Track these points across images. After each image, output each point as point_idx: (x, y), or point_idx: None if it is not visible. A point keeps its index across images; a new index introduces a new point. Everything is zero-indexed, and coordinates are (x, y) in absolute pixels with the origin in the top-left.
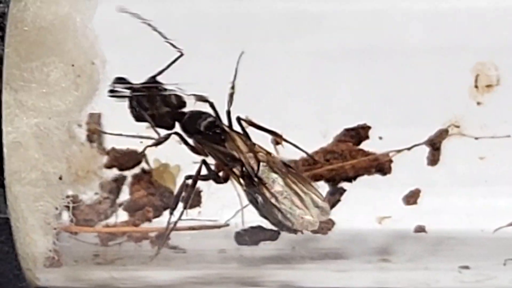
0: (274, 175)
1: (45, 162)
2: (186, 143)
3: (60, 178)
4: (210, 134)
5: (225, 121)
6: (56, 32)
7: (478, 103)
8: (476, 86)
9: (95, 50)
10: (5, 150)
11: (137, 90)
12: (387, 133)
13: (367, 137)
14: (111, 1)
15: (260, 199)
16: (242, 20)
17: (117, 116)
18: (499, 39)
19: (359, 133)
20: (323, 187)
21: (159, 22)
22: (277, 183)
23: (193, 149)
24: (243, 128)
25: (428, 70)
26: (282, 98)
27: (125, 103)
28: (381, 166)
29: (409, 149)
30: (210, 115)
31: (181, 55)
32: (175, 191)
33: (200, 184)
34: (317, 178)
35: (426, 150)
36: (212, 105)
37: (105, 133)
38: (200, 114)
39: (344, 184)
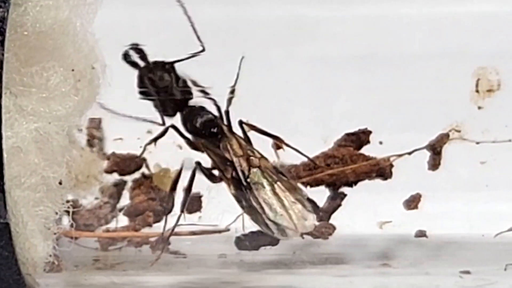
0: (264, 181)
1: (45, 167)
2: (182, 136)
3: (60, 183)
4: (206, 132)
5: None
6: (56, 36)
7: (479, 108)
8: (477, 91)
9: (95, 55)
10: (5, 155)
11: (150, 65)
12: (388, 137)
13: (368, 142)
14: (112, 5)
15: (246, 204)
16: (243, 26)
17: (117, 120)
18: (500, 43)
19: (360, 138)
20: (324, 192)
21: (161, 27)
22: (265, 190)
23: (190, 143)
24: (244, 132)
25: (429, 75)
26: (283, 104)
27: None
28: (382, 170)
29: (410, 153)
30: (209, 113)
31: (203, 49)
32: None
33: (200, 189)
34: (317, 182)
35: (427, 154)
36: (216, 103)
37: (114, 112)
38: (200, 110)
39: (344, 189)
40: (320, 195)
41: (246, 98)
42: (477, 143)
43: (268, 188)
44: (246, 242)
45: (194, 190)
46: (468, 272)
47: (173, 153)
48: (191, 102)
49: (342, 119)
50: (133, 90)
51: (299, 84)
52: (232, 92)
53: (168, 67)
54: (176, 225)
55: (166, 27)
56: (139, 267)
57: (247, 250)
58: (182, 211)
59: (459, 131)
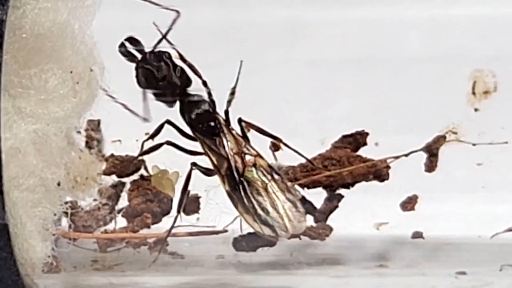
0: (258, 180)
1: (43, 168)
2: (178, 129)
3: (59, 184)
4: (202, 125)
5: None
6: (54, 39)
7: (476, 110)
8: (473, 93)
9: (94, 57)
10: (3, 156)
11: (146, 56)
12: (385, 139)
13: (365, 144)
14: (110, 8)
15: (238, 202)
16: (241, 28)
17: (116, 122)
18: (497, 46)
19: (357, 140)
20: (321, 194)
21: (161, 31)
22: (258, 189)
23: (184, 134)
24: (242, 129)
25: (426, 77)
26: (281, 105)
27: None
28: (379, 172)
29: (406, 155)
30: (207, 104)
31: (179, 14)
32: (174, 198)
33: (198, 190)
34: (315, 184)
35: (423, 156)
36: (209, 94)
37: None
38: (198, 101)
39: (342, 191)
40: (317, 196)
41: (244, 99)
42: (474, 145)
43: (261, 186)
44: (243, 243)
45: (192, 191)
46: (464, 273)
47: (171, 155)
48: (191, 92)
49: (339, 121)
50: (131, 91)
51: (297, 86)
52: (233, 93)
53: (164, 56)
54: (173, 226)
55: (163, 30)
56: (137, 268)
57: (245, 251)
58: (178, 212)
59: (455, 133)
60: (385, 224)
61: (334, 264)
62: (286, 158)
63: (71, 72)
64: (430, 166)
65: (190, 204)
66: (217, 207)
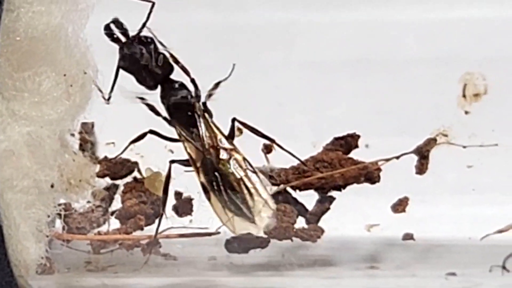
0: (231, 174)
1: (37, 170)
2: (160, 135)
3: (52, 186)
4: (180, 113)
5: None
6: (48, 42)
7: (466, 113)
8: (464, 96)
9: (87, 60)
10: None
11: (130, 40)
12: (376, 141)
13: (356, 146)
14: (103, 11)
15: (212, 194)
16: (236, 30)
17: (109, 125)
18: (487, 50)
19: (349, 142)
20: (313, 195)
21: (154, 33)
22: (231, 184)
23: (168, 139)
24: (232, 130)
25: (417, 80)
26: (274, 108)
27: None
28: (370, 174)
29: (397, 158)
30: (186, 92)
31: (153, 4)
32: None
33: (191, 192)
34: (307, 186)
35: (414, 159)
36: (193, 81)
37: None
38: (178, 88)
39: (333, 193)
40: (309, 198)
41: (237, 101)
42: (464, 147)
43: (234, 181)
44: (235, 244)
45: (185, 194)
46: (454, 274)
47: (164, 157)
48: (173, 78)
49: (331, 124)
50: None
51: (289, 88)
52: (215, 87)
53: (147, 42)
54: (158, 226)
55: (157, 33)
56: (130, 269)
57: (237, 252)
58: (162, 213)
59: (446, 136)
60: (376, 226)
61: (326, 266)
62: (279, 160)
63: (65, 75)
64: (421, 168)
65: (183, 206)
66: (209, 209)
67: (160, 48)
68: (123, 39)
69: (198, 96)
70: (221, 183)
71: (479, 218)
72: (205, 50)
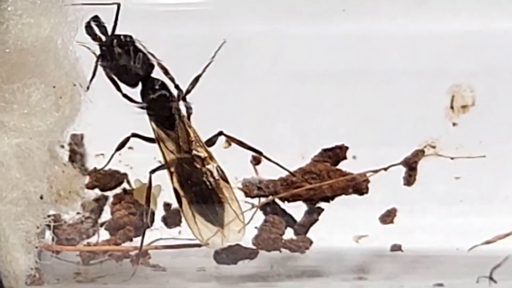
0: (203, 183)
1: (26, 182)
2: (143, 138)
3: (41, 198)
4: (157, 113)
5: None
6: (37, 54)
7: (454, 124)
8: (451, 107)
9: (77, 72)
10: None
11: (109, 39)
12: (364, 153)
13: (344, 158)
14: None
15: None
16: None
17: (99, 136)
18: (475, 61)
19: (337, 154)
20: (301, 207)
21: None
22: (203, 192)
23: (152, 141)
24: (214, 141)
25: (404, 92)
26: (261, 119)
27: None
28: (358, 186)
29: (385, 169)
30: (164, 90)
31: (119, 5)
32: (156, 211)
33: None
34: (295, 197)
35: (402, 170)
36: (172, 80)
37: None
38: (158, 87)
39: (322, 204)
40: (298, 209)
41: (224, 113)
42: (452, 158)
43: (206, 190)
44: (224, 255)
45: (174, 205)
46: (441, 285)
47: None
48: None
49: (319, 135)
50: (115, 106)
51: (277, 100)
52: (194, 83)
53: (127, 42)
54: (143, 238)
55: (148, 44)
56: (119, 280)
57: (226, 263)
58: (145, 224)
59: (434, 147)
60: (365, 236)
61: (314, 276)
62: (267, 172)
63: (54, 86)
64: (409, 179)
65: (172, 217)
66: None
67: (152, 60)
68: (103, 37)
69: (181, 100)
70: (192, 191)
71: (467, 229)
72: (191, 61)
